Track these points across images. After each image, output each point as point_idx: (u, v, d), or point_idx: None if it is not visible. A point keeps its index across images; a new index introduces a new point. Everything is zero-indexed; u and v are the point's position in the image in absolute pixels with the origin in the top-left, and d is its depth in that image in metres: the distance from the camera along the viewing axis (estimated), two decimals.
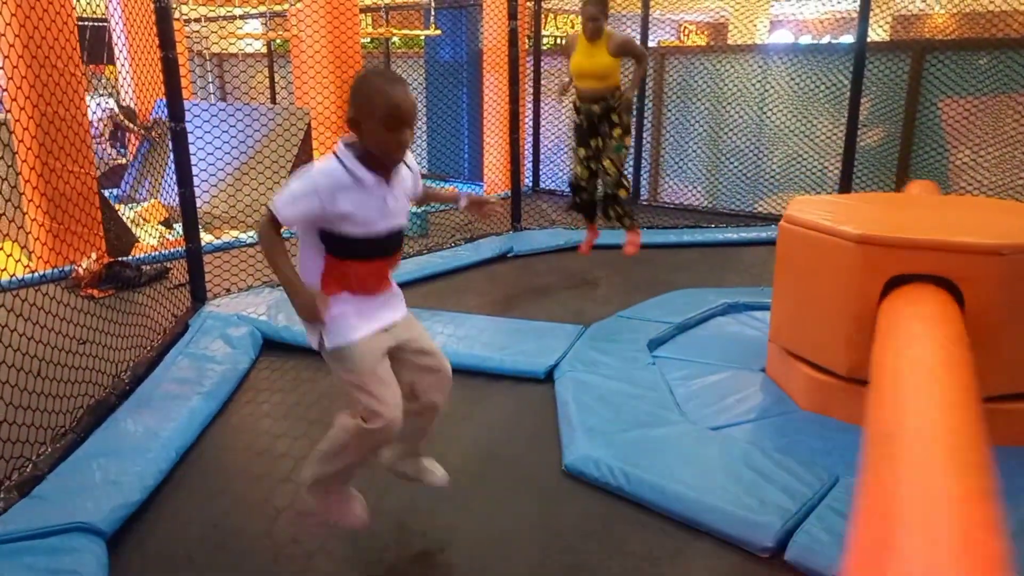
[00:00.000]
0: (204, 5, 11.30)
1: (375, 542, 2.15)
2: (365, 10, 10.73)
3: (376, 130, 1.61)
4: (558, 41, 16.63)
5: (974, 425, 1.50)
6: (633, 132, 4.26)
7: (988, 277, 2.48)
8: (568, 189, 4.62)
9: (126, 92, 8.26)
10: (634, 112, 4.30)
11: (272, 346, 3.60)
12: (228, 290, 4.28)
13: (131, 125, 7.29)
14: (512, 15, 5.62)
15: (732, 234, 5.88)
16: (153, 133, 7.08)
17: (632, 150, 7.17)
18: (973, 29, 8.06)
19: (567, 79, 4.29)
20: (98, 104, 7.14)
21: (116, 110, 7.22)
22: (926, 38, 11.12)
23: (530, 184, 7.76)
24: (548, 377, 3.26)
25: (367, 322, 1.76)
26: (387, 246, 1.74)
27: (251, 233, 5.81)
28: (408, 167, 1.81)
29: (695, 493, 2.28)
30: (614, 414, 2.79)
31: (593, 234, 4.79)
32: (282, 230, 1.70)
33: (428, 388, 1.98)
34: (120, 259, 4.62)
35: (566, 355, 3.37)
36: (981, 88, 5.81)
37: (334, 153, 1.69)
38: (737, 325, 3.83)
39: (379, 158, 1.66)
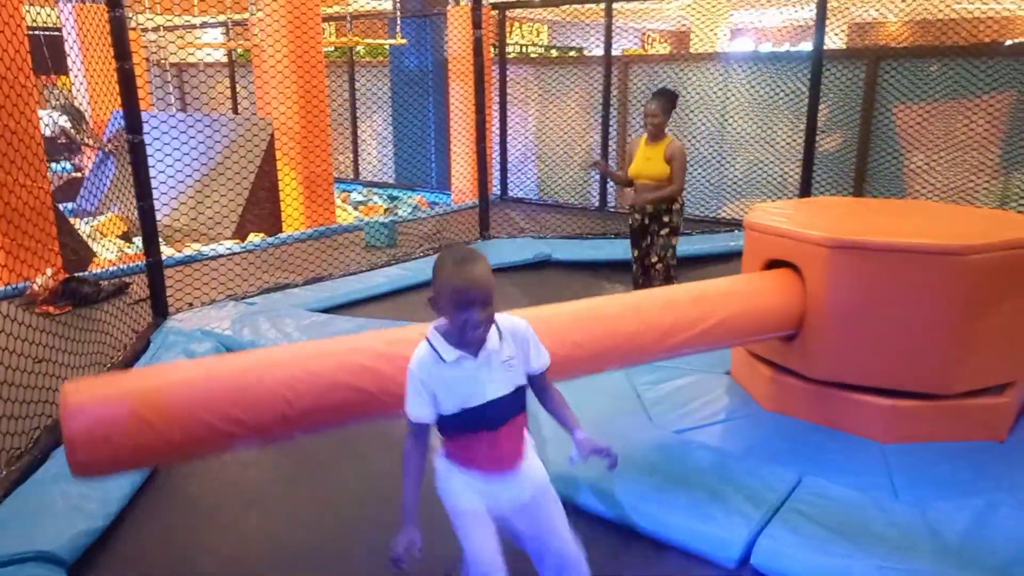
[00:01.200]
0: (162, 15, 11.12)
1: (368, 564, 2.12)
2: (328, 19, 10.67)
3: (448, 310, 1.61)
4: (523, 50, 16.72)
5: None
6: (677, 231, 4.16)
7: (817, 263, 2.73)
8: None
9: (81, 102, 8.09)
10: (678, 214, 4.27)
11: None
12: (191, 304, 4.21)
13: (86, 139, 7.13)
14: (477, 24, 5.64)
15: (702, 245, 5.85)
16: (110, 146, 6.93)
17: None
18: (925, 37, 8.30)
19: (629, 191, 4.28)
20: (50, 116, 6.97)
21: (68, 127, 7.06)
22: (880, 46, 11.40)
23: (498, 192, 7.77)
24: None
25: (470, 491, 1.73)
26: (488, 418, 1.68)
27: (213, 246, 5.73)
28: (503, 337, 1.70)
29: (662, 512, 2.28)
30: (582, 422, 2.79)
31: None
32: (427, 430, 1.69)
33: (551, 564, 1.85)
34: (77, 275, 4.52)
35: None
36: (933, 94, 5.98)
37: (425, 338, 1.68)
38: None
39: (459, 340, 1.65)
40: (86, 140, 7.14)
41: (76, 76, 7.96)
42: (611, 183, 7.06)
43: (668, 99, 4.07)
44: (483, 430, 1.68)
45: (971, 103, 5.82)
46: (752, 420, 2.91)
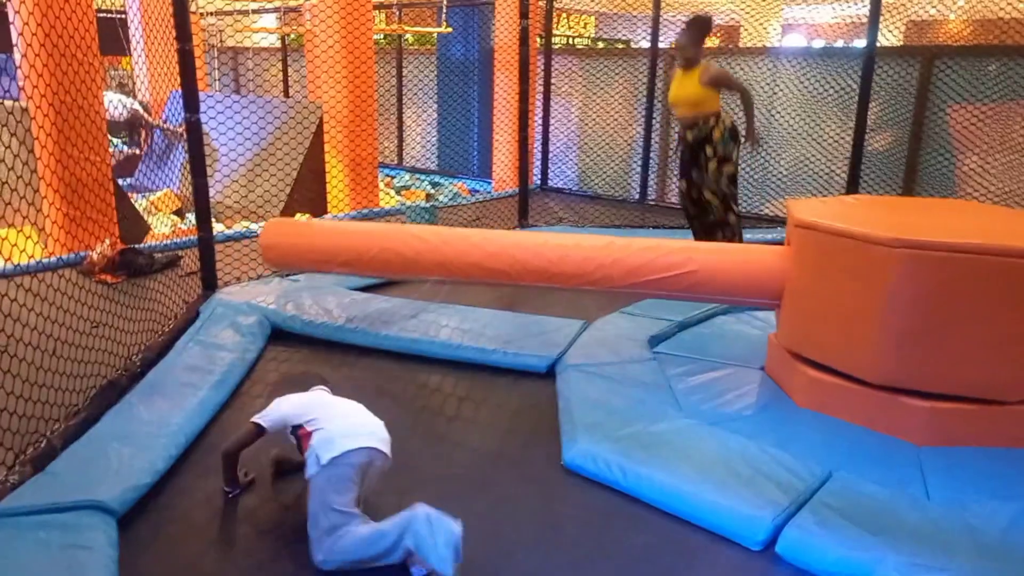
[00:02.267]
0: None
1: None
2: (378, 7, 10.80)
3: None
4: (569, 41, 16.66)
5: None
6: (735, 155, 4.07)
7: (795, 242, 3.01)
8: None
9: (141, 83, 8.36)
10: (740, 138, 4.14)
11: (280, 335, 3.66)
12: (238, 279, 4.35)
13: (157, 123, 7.38)
14: (524, 14, 5.67)
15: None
16: (181, 129, 7.18)
17: (641, 152, 7.21)
18: (986, 36, 8.06)
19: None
20: (120, 102, 7.22)
21: (140, 110, 7.31)
22: (936, 44, 11.09)
23: (539, 182, 7.80)
24: (550, 371, 3.31)
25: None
26: None
27: (261, 224, 5.89)
28: None
29: (691, 489, 2.33)
30: (614, 409, 2.84)
31: None
32: None
33: None
34: (133, 246, 4.70)
35: (568, 350, 3.42)
36: (990, 95, 5.83)
37: None
38: (738, 324, 3.87)
39: None
40: (159, 125, 7.39)
41: (137, 57, 8.22)
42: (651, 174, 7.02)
43: (698, 28, 3.88)
44: None
45: None
46: (784, 415, 2.91)
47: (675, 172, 7.56)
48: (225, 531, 2.21)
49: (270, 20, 14.95)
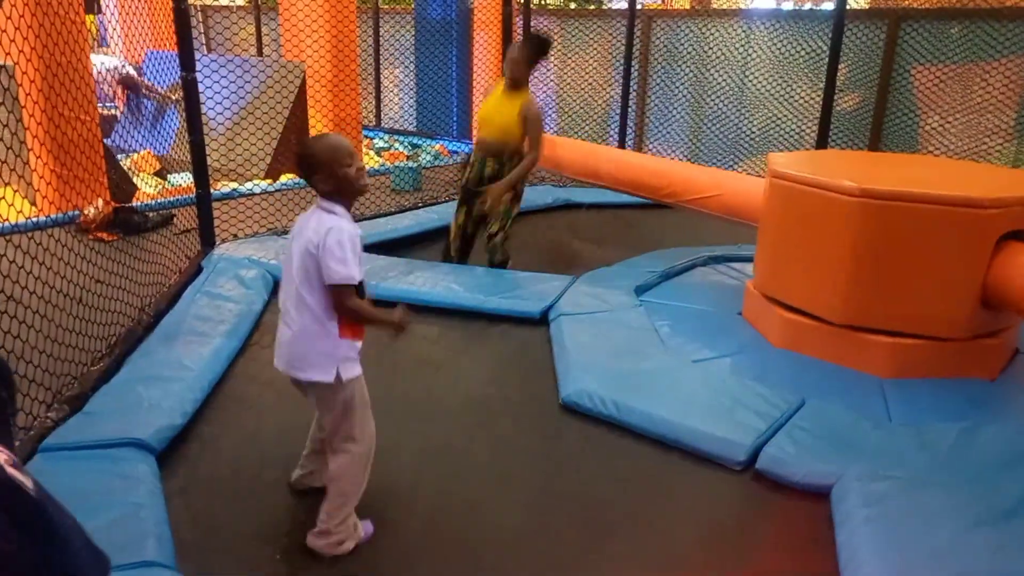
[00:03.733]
0: None
1: (391, 476, 2.36)
2: None
3: (342, 170, 1.88)
4: (543, 1, 16.55)
5: None
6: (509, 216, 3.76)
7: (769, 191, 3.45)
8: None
9: (114, 42, 8.23)
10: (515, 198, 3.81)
11: None
12: (235, 236, 4.45)
13: (149, 86, 7.27)
14: None
15: None
16: (176, 95, 7.08)
17: (619, 114, 7.36)
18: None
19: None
20: (105, 67, 7.11)
21: (131, 71, 7.20)
22: (902, 6, 11.32)
23: None
24: (543, 318, 3.52)
25: (358, 362, 2.02)
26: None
27: (249, 184, 5.96)
28: None
29: (678, 418, 2.57)
30: (605, 350, 3.07)
31: None
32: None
33: None
34: (127, 205, 4.76)
35: (560, 299, 3.63)
36: (952, 56, 6.08)
37: (334, 214, 1.91)
38: (717, 275, 4.11)
39: (354, 196, 1.95)
40: (148, 85, 7.29)
41: (110, 15, 8.08)
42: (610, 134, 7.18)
43: (535, 47, 3.59)
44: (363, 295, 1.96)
45: (989, 66, 5.92)
46: (762, 354, 3.16)
47: (633, 129, 7.77)
48: (259, 470, 2.37)
49: None
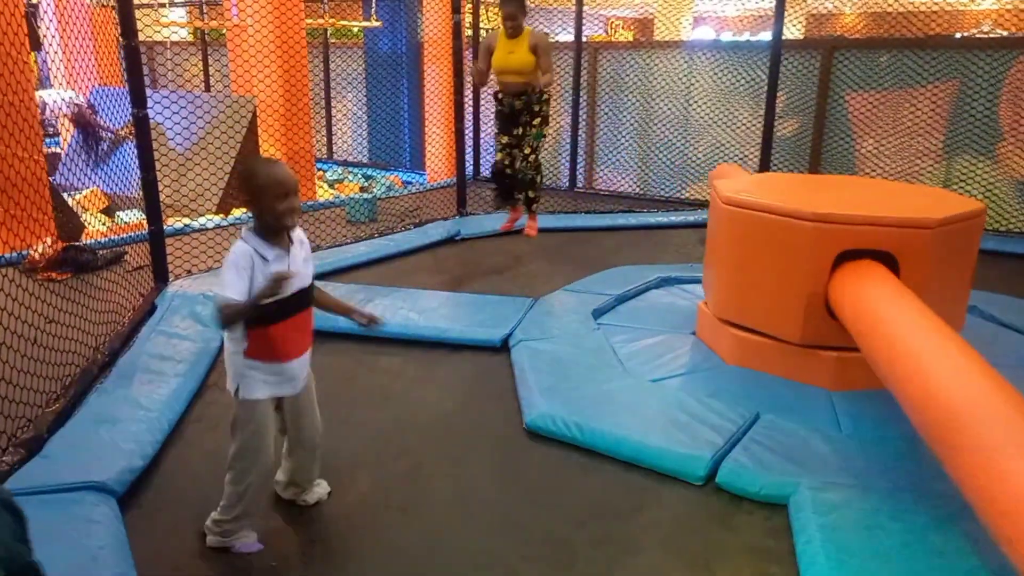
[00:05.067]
0: None
1: (353, 503, 2.39)
2: None
3: (269, 203, 1.93)
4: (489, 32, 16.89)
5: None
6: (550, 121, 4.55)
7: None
8: (491, 176, 4.88)
9: (57, 79, 8.09)
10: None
11: None
12: (189, 272, 4.41)
13: (101, 123, 7.15)
14: (456, 9, 5.88)
15: (662, 217, 6.32)
16: (124, 131, 6.97)
17: (569, 142, 7.53)
18: (879, 28, 8.77)
19: (482, 66, 4.49)
20: (61, 99, 6.98)
21: (84, 104, 7.07)
22: (835, 36, 11.89)
23: (471, 172, 8.02)
24: (504, 345, 3.56)
25: (271, 388, 2.08)
26: (297, 304, 2.05)
27: (202, 220, 5.90)
28: (300, 240, 2.10)
29: (639, 436, 2.63)
30: (566, 375, 3.13)
31: (516, 214, 5.06)
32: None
33: (306, 437, 2.27)
34: (75, 243, 4.67)
35: (519, 325, 3.68)
36: (882, 83, 6.42)
37: (241, 239, 1.99)
38: (670, 296, 4.23)
39: (277, 231, 1.98)
40: (100, 123, 7.16)
41: (52, 52, 7.96)
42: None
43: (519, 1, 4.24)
44: (290, 317, 2.03)
45: (917, 92, 6.27)
46: (716, 371, 3.27)
47: (583, 156, 7.94)
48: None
49: (180, 13, 14.53)
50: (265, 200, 1.93)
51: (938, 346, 2.21)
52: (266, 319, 1.98)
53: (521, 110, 4.26)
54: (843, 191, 3.63)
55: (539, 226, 5.39)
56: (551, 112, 4.37)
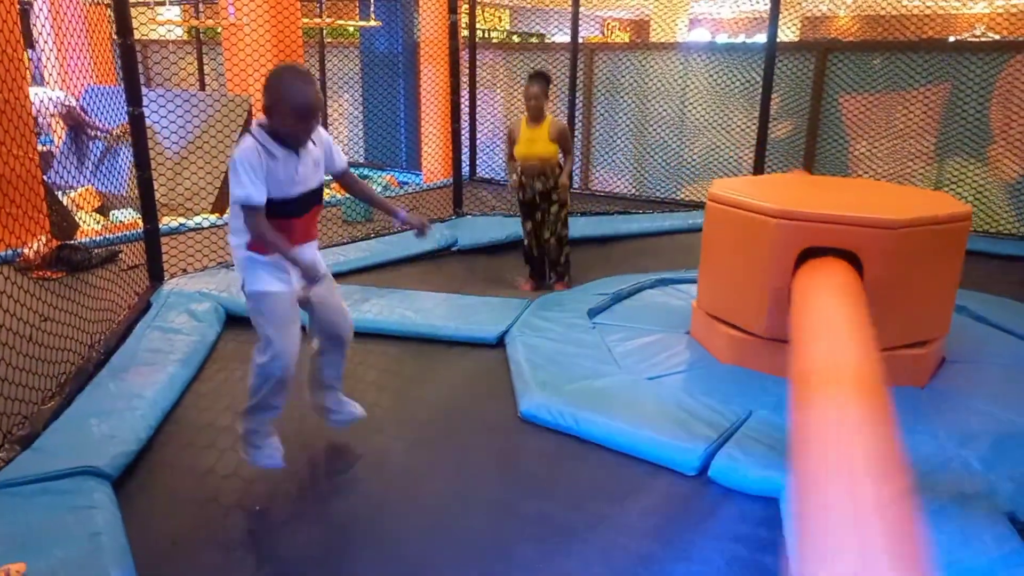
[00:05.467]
0: None
1: (353, 496, 2.41)
2: None
3: (287, 120, 1.95)
4: (485, 34, 16.90)
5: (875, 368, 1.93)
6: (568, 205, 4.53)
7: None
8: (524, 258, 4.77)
9: (51, 78, 8.08)
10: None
11: (236, 320, 3.78)
12: (184, 270, 4.41)
13: (93, 124, 7.13)
14: (452, 9, 5.89)
15: (659, 222, 6.24)
16: (118, 131, 6.95)
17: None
18: (873, 31, 8.82)
19: (513, 176, 4.46)
20: (49, 99, 6.96)
21: (75, 104, 7.05)
22: (828, 39, 11.96)
23: (468, 173, 8.03)
24: (499, 343, 3.58)
25: (277, 280, 2.11)
26: (302, 206, 2.08)
27: (197, 219, 5.90)
28: (315, 142, 2.11)
29: (633, 428, 2.66)
30: (561, 369, 3.15)
31: (535, 282, 4.76)
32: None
33: (334, 325, 2.35)
34: (69, 242, 4.66)
35: (515, 323, 3.70)
36: (876, 86, 6.46)
37: (249, 132, 2.01)
38: (664, 296, 4.25)
39: (285, 140, 2.01)
40: (93, 123, 7.13)
41: (49, 51, 7.94)
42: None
43: (547, 81, 4.30)
44: (294, 217, 2.07)
45: (909, 95, 6.31)
46: (710, 370, 3.28)
47: (579, 158, 7.97)
48: (216, 494, 2.37)
49: (175, 12, 14.48)
50: (285, 114, 1.93)
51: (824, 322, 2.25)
52: (272, 215, 2.02)
53: (541, 197, 4.33)
54: (834, 192, 3.66)
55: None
56: (568, 197, 4.40)
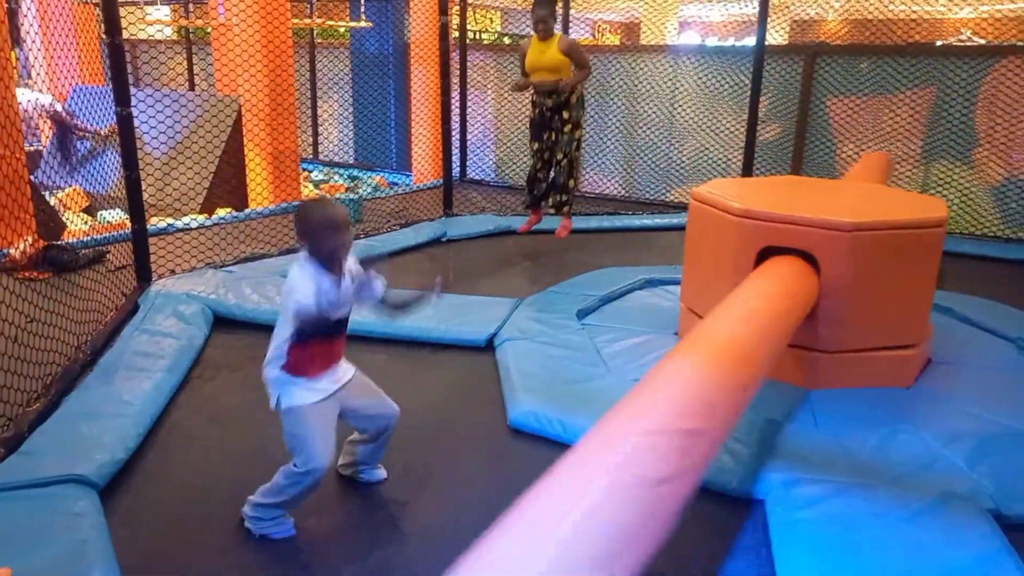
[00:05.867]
0: None
1: (339, 496, 2.40)
2: None
3: (324, 237, 2.06)
4: (476, 36, 16.92)
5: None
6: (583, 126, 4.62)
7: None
8: (527, 183, 4.87)
9: (39, 77, 8.02)
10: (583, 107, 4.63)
11: (223, 322, 3.77)
12: (172, 271, 4.39)
13: (80, 126, 7.07)
14: (443, 10, 5.90)
15: (647, 220, 6.36)
16: (106, 130, 6.90)
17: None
18: (862, 35, 8.88)
19: (522, 79, 4.55)
20: (37, 100, 6.90)
21: (60, 109, 6.98)
22: (817, 43, 12.03)
23: (458, 173, 8.03)
24: (489, 345, 3.58)
25: (310, 394, 2.15)
26: (340, 326, 2.19)
27: (185, 219, 5.87)
28: (352, 276, 2.20)
29: None
30: (550, 373, 3.15)
31: (536, 217, 5.05)
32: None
33: (375, 420, 2.37)
34: (56, 243, 4.63)
35: (504, 325, 3.70)
36: (863, 89, 6.51)
37: (299, 264, 2.10)
38: (653, 297, 4.27)
39: (330, 263, 2.10)
40: (80, 125, 7.07)
41: (34, 50, 7.89)
42: None
43: (553, 3, 4.42)
44: (334, 335, 2.18)
45: (896, 98, 6.36)
46: None
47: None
48: (203, 502, 2.36)
49: (165, 11, 14.41)
50: (320, 237, 2.04)
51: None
52: (310, 337, 2.09)
53: (553, 113, 4.31)
54: (815, 194, 3.68)
55: (530, 229, 5.44)
56: (582, 117, 4.46)
